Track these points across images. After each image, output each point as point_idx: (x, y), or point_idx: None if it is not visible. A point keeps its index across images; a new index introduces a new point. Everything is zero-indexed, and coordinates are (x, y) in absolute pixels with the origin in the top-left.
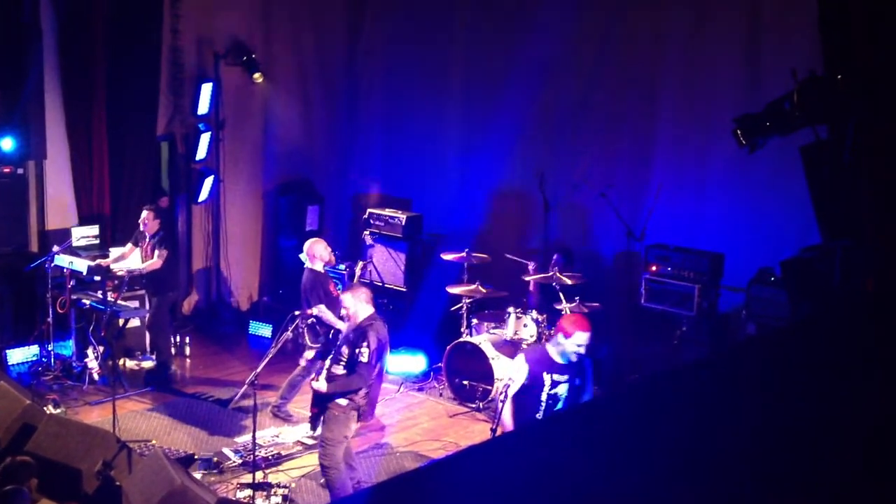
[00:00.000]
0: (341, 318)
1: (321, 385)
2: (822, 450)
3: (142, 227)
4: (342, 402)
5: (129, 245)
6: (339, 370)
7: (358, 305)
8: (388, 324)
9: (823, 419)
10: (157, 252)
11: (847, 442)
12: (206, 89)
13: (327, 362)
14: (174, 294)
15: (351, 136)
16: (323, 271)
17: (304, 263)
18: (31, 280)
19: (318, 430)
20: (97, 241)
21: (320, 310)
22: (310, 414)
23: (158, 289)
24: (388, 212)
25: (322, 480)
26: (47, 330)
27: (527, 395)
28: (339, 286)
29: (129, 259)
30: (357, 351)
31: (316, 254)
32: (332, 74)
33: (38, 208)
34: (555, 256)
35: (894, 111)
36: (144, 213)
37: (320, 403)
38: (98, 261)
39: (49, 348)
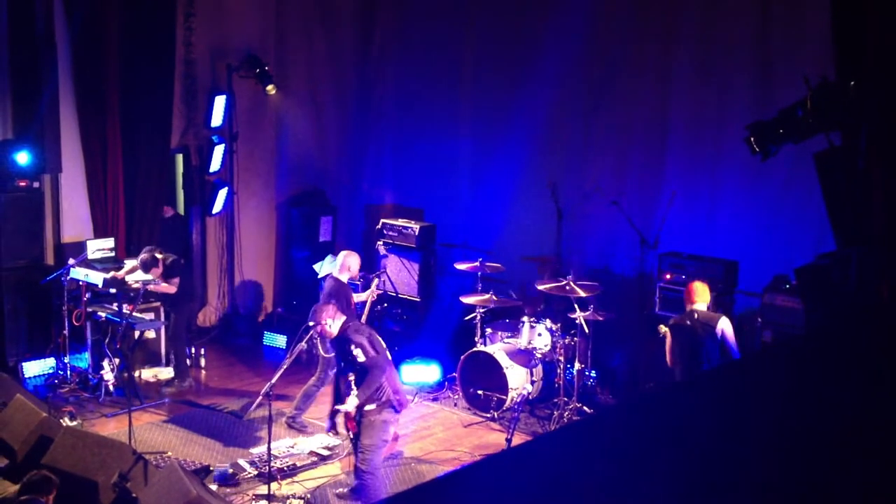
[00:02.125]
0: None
1: (349, 406)
2: (838, 458)
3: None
4: (371, 407)
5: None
6: (352, 402)
7: (328, 322)
8: (402, 334)
9: (839, 427)
10: (171, 280)
11: (863, 450)
12: (220, 101)
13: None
14: (192, 305)
15: (363, 147)
16: (346, 282)
17: (317, 274)
18: (46, 293)
19: (321, 440)
20: (112, 254)
21: None
22: (350, 431)
23: (175, 304)
24: (401, 222)
25: (338, 491)
26: (63, 342)
27: None
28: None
29: (140, 272)
30: (350, 357)
31: (349, 266)
32: (344, 85)
33: (53, 221)
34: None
35: None
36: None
37: (357, 417)
38: (113, 273)
39: (65, 361)
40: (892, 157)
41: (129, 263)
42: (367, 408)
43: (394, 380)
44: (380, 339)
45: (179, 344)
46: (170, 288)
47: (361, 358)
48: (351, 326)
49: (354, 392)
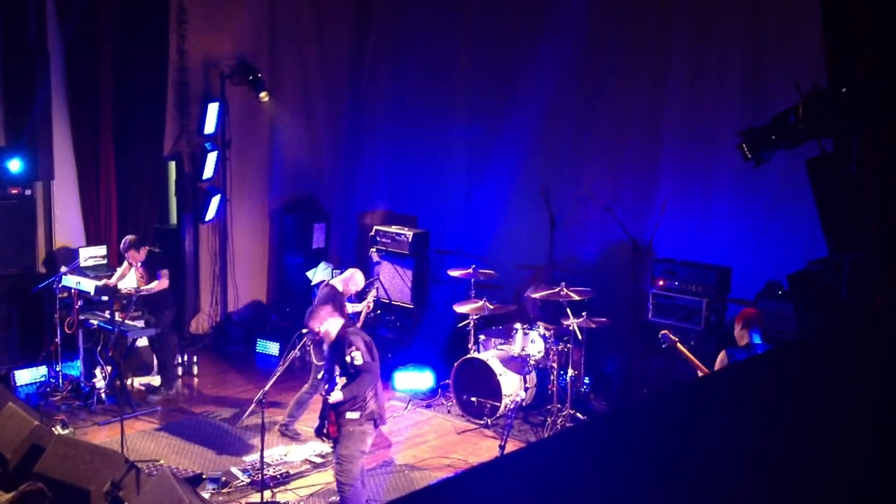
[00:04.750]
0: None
1: (336, 395)
2: (831, 465)
3: (133, 264)
4: (354, 415)
5: (125, 264)
6: (337, 395)
7: (326, 324)
8: (396, 341)
9: (832, 434)
10: (159, 273)
11: (855, 457)
12: (213, 109)
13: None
14: (171, 312)
15: (356, 154)
16: (341, 292)
17: (310, 281)
18: (38, 301)
19: (314, 447)
20: (104, 262)
21: None
22: (331, 437)
23: (155, 310)
24: (394, 229)
25: (331, 499)
26: (55, 350)
27: None
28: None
29: (128, 278)
30: (348, 359)
31: (350, 283)
32: (337, 93)
33: (45, 229)
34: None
35: None
36: (126, 255)
37: (338, 422)
38: (105, 280)
39: (57, 369)
40: (883, 164)
41: (120, 269)
42: (350, 416)
43: (381, 393)
44: (376, 349)
45: (167, 352)
46: (163, 283)
47: (359, 361)
48: (351, 330)
49: (339, 385)
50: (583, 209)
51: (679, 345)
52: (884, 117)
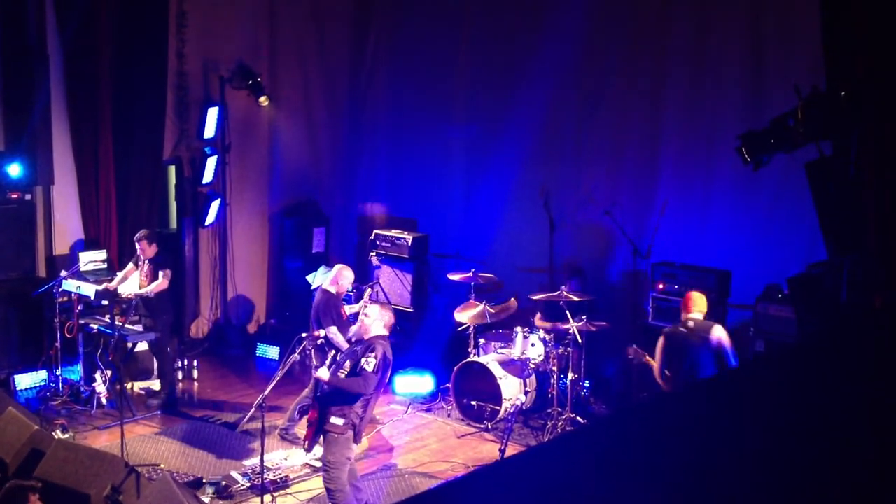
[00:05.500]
0: (349, 340)
1: (323, 373)
2: (831, 467)
3: (141, 255)
4: (339, 422)
5: (130, 265)
6: (324, 373)
7: (377, 323)
8: (396, 345)
9: (832, 436)
10: (161, 273)
11: (855, 459)
12: (213, 113)
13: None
14: (168, 316)
15: (356, 158)
16: (336, 294)
17: (310, 285)
18: (38, 305)
19: (314, 451)
20: (105, 266)
21: (331, 332)
22: (310, 421)
23: (153, 313)
24: (394, 233)
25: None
26: (55, 355)
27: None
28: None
29: (130, 280)
30: (364, 360)
31: (340, 280)
32: (337, 97)
33: (45, 233)
34: (569, 283)
35: None
36: (138, 244)
37: (319, 426)
38: (105, 285)
39: (57, 373)
40: (883, 165)
41: (118, 275)
42: (334, 421)
43: (369, 413)
44: (389, 372)
45: (166, 356)
46: (163, 283)
47: (368, 368)
48: (383, 342)
49: (327, 364)
50: (582, 212)
51: (647, 358)
52: (883, 118)
